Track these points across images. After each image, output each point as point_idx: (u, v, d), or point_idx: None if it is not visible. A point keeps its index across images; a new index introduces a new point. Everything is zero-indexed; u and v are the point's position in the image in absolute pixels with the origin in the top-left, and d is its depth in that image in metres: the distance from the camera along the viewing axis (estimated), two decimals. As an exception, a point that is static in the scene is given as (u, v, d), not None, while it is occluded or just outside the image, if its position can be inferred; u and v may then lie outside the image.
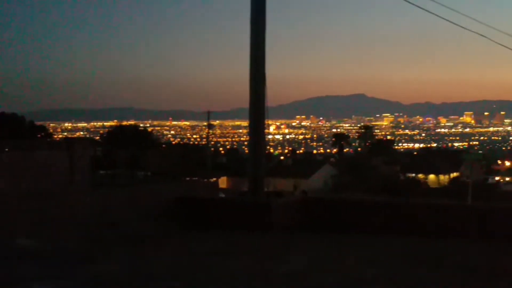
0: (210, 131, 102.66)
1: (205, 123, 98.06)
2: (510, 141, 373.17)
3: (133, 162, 69.91)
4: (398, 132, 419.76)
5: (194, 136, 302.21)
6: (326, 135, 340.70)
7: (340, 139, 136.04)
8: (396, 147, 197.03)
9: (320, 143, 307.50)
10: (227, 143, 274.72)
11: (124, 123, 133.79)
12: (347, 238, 16.35)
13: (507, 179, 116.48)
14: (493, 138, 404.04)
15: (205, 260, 12.49)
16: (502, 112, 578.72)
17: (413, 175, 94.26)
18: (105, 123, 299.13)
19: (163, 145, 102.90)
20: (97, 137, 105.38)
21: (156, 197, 19.00)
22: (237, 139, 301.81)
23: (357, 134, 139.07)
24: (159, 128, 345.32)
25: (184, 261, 12.52)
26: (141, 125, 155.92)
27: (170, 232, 16.97)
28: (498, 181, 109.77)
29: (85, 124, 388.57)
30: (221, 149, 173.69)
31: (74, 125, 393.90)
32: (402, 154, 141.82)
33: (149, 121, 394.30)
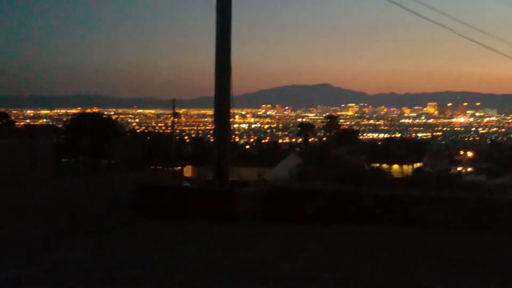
0: (176, 119, 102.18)
1: (171, 112, 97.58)
2: (472, 132, 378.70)
3: (97, 150, 69.26)
4: (363, 122, 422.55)
5: (159, 124, 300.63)
6: (291, 125, 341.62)
7: (306, 128, 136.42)
8: (361, 137, 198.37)
9: (286, 133, 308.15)
10: (192, 131, 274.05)
11: (88, 110, 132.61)
12: (310, 227, 16.38)
13: (469, 169, 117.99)
14: (456, 129, 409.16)
15: (168, 249, 12.42)
16: (465, 103, 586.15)
17: (377, 165, 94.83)
18: (68, 111, 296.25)
19: (128, 133, 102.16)
20: (60, 125, 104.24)
21: (119, 185, 18.80)
22: (202, 127, 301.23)
23: (322, 124, 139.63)
24: (123, 116, 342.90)
25: (147, 250, 12.43)
26: (105, 113, 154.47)
27: (134, 221, 16.85)
28: (460, 171, 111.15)
29: (48, 112, 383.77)
30: (186, 137, 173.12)
31: (37, 112, 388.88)
32: (367, 144, 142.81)
33: (114, 109, 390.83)
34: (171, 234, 14.78)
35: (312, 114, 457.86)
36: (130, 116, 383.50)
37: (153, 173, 25.62)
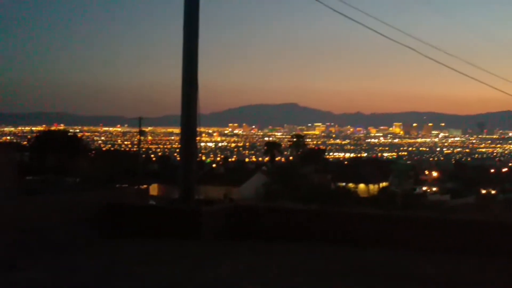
0: (142, 137, 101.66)
1: (137, 130, 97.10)
2: (437, 152, 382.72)
3: (62, 168, 68.55)
4: (329, 142, 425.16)
5: (126, 142, 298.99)
6: (258, 144, 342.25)
7: (272, 147, 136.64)
8: (327, 156, 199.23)
9: (252, 151, 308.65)
10: (159, 150, 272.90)
11: (53, 128, 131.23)
12: (276, 246, 16.30)
13: (434, 189, 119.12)
14: (421, 149, 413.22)
15: (131, 268, 12.24)
16: (430, 124, 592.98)
17: (344, 184, 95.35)
18: (33, 128, 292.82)
19: (93, 151, 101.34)
20: (25, 142, 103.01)
21: (84, 204, 18.55)
22: (169, 146, 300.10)
23: (289, 143, 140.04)
24: (89, 134, 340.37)
25: (110, 269, 12.23)
26: (71, 130, 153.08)
27: (97, 240, 16.62)
28: (425, 191, 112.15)
29: (12, 129, 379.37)
30: (153, 156, 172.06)
31: (1, 129, 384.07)
32: (333, 164, 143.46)
33: (79, 127, 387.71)
34: (135, 253, 14.58)
35: (279, 133, 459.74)
36: (96, 134, 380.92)
37: (119, 191, 25.41)
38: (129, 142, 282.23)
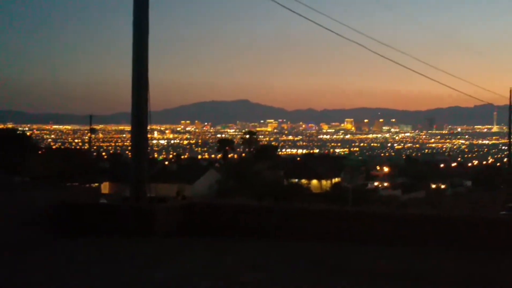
0: (93, 135, 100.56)
1: (88, 127, 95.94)
2: (388, 148, 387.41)
3: (10, 167, 67.30)
4: (282, 138, 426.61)
5: (76, 140, 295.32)
6: (211, 141, 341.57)
7: (225, 144, 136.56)
8: (280, 152, 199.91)
9: (205, 149, 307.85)
10: (110, 147, 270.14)
11: (1, 126, 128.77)
12: (230, 242, 16.32)
13: (385, 184, 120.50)
14: (372, 144, 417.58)
15: (83, 267, 12.12)
16: (381, 120, 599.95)
17: (296, 180, 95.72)
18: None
19: (43, 150, 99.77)
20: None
21: (33, 203, 18.28)
22: (120, 143, 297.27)
23: (241, 140, 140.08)
24: (38, 132, 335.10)
25: (61, 269, 12.09)
26: (20, 128, 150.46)
27: (48, 239, 16.38)
28: (377, 186, 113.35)
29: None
30: (104, 154, 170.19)
31: None
32: (286, 160, 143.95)
33: (28, 125, 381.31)
34: (86, 252, 14.43)
35: (232, 130, 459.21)
36: (45, 132, 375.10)
37: (70, 190, 25.12)
38: (79, 140, 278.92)
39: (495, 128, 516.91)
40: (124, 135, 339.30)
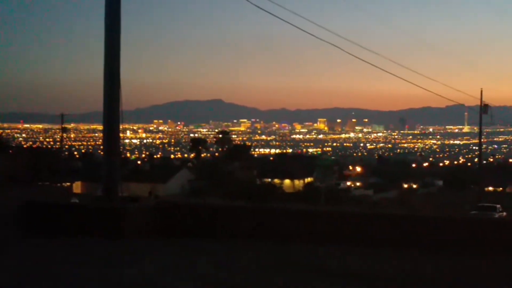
0: (64, 134, 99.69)
1: (59, 126, 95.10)
2: (361, 147, 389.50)
3: (-20, 166, 66.46)
4: (255, 138, 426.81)
5: (48, 139, 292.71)
6: (184, 140, 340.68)
7: (198, 144, 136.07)
8: (253, 152, 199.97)
9: (178, 148, 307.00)
10: (82, 147, 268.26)
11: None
12: (200, 243, 16.25)
13: (358, 184, 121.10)
14: (345, 144, 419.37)
15: (52, 268, 11.96)
16: (353, 120, 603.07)
17: (269, 180, 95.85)
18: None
19: (14, 149, 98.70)
20: None
21: (3, 202, 18.09)
22: (92, 143, 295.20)
23: (214, 139, 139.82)
24: (9, 131, 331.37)
25: (30, 269, 11.93)
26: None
27: (17, 239, 16.19)
28: (350, 186, 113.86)
29: None
30: (76, 153, 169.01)
31: None
32: (259, 159, 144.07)
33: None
34: (56, 252, 14.26)
35: (205, 130, 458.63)
36: (16, 131, 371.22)
37: (40, 189, 24.92)
38: (51, 139, 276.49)
39: (466, 128, 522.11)
40: (96, 134, 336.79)
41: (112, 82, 17.94)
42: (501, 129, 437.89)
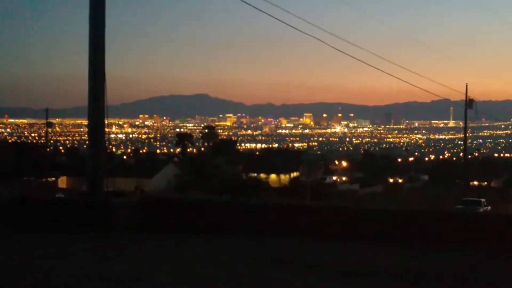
0: (49, 129, 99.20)
1: (44, 121, 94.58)
2: (347, 142, 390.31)
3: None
4: (241, 133, 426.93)
5: (33, 134, 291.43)
6: (169, 135, 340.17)
7: (184, 139, 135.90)
8: (239, 147, 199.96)
9: (164, 143, 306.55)
10: (67, 142, 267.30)
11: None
12: (187, 237, 16.24)
13: (344, 178, 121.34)
14: (331, 139, 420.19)
15: (40, 263, 11.91)
16: (339, 114, 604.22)
17: (255, 174, 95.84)
18: None
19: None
20: None
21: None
22: (78, 138, 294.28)
23: (200, 134, 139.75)
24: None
25: (17, 264, 11.87)
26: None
27: (3, 235, 16.11)
28: (335, 181, 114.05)
29: None
30: (61, 148, 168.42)
31: None
32: (245, 154, 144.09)
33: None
34: (41, 248, 14.19)
35: (191, 124, 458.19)
36: (1, 125, 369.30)
37: (25, 184, 24.80)
38: (36, 134, 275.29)
39: (451, 123, 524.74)
40: (81, 129, 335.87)
41: (96, 76, 17.86)
42: (486, 124, 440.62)
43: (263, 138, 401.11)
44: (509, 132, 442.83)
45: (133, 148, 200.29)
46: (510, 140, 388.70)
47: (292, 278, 11.29)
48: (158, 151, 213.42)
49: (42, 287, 9.86)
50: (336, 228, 17.18)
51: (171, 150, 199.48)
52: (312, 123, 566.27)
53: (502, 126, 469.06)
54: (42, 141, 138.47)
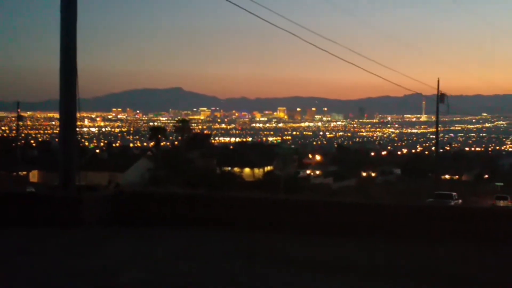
0: (20, 122, 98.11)
1: (15, 115, 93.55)
2: (320, 136, 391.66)
3: None
4: (215, 126, 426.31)
5: (3, 128, 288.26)
6: (143, 129, 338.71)
7: (157, 132, 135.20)
8: (213, 141, 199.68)
9: (137, 137, 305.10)
10: (39, 135, 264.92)
11: None
12: (161, 231, 16.13)
13: (317, 172, 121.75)
14: (305, 133, 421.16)
15: (8, 259, 11.74)
16: (313, 108, 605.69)
17: (229, 168, 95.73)
18: None
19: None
20: None
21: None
22: (50, 131, 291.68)
23: (174, 128, 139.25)
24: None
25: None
26: None
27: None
28: (309, 174, 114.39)
29: None
30: (32, 141, 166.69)
31: None
32: (219, 148, 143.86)
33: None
34: (10, 243, 14.00)
35: (164, 118, 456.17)
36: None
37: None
38: (6, 128, 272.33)
39: (423, 117, 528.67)
40: (53, 123, 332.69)
41: (68, 69, 17.64)
42: (458, 118, 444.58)
43: (237, 132, 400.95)
44: (479, 126, 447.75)
45: (106, 141, 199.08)
46: (481, 134, 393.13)
47: (262, 270, 11.27)
48: (131, 145, 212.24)
49: (11, 284, 9.71)
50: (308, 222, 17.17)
51: (145, 144, 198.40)
52: (286, 117, 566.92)
53: (473, 120, 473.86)
54: (13, 135, 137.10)
